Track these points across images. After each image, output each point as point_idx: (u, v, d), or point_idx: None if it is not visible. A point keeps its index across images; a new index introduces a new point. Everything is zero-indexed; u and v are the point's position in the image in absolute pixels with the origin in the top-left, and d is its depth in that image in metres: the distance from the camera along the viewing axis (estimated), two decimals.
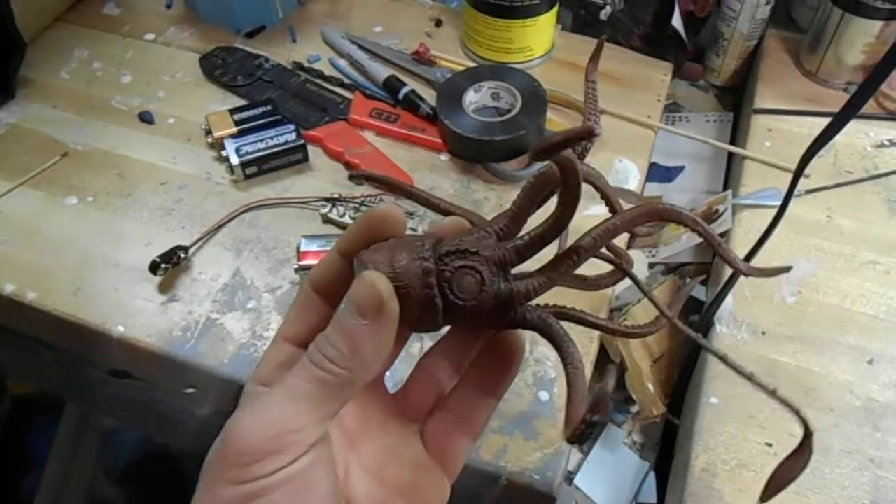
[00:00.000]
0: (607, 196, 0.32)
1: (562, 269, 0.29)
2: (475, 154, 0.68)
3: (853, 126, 0.73)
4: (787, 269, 0.31)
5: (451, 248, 0.28)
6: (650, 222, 0.29)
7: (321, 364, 0.26)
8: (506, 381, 0.32)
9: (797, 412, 0.25)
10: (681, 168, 0.79)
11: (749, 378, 0.26)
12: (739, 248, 0.61)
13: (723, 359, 0.28)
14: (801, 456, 0.26)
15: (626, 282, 0.69)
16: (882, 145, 0.71)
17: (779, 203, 0.52)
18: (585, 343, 0.57)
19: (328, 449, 0.27)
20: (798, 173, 0.51)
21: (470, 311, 0.29)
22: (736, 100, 0.86)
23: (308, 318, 0.30)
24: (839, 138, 0.71)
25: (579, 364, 0.28)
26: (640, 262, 0.70)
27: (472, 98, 0.70)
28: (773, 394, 0.26)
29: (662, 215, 0.29)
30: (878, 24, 0.71)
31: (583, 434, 0.25)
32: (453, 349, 0.33)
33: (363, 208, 0.64)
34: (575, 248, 0.29)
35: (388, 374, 0.34)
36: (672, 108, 0.86)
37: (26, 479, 1.11)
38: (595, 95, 0.32)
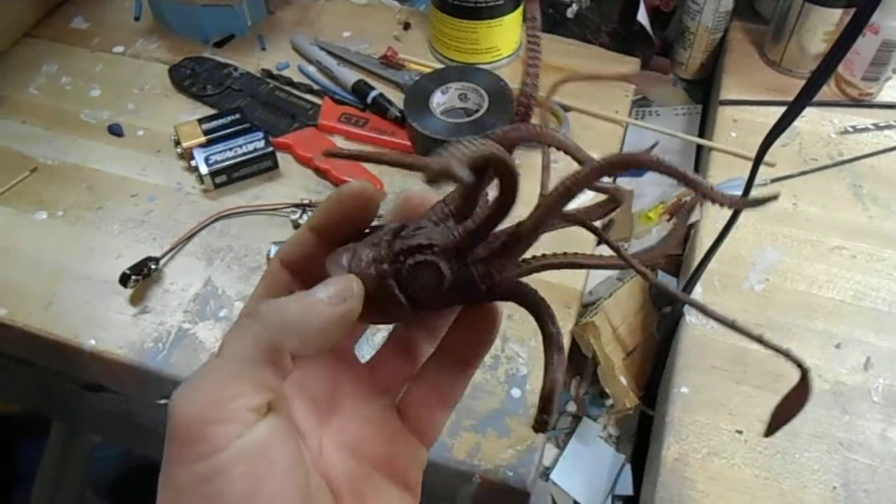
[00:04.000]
0: (571, 154, 0.28)
1: (518, 246, 0.27)
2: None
3: (817, 114, 0.75)
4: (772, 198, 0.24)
5: (406, 245, 0.28)
6: (606, 175, 0.26)
7: (265, 325, 0.25)
8: (482, 350, 0.31)
9: (787, 354, 0.24)
10: None
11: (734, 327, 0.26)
12: (707, 238, 0.62)
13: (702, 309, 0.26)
14: (801, 393, 0.26)
15: (599, 276, 0.69)
16: (846, 132, 0.72)
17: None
18: None
19: (285, 423, 0.26)
20: (757, 161, 0.52)
21: (436, 301, 0.28)
22: (704, 92, 0.87)
23: (275, 294, 0.30)
24: (804, 126, 0.73)
25: (557, 337, 0.27)
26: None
27: (440, 100, 0.71)
28: (760, 340, 0.25)
29: (618, 164, 0.25)
30: (838, 12, 0.71)
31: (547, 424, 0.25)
32: (428, 318, 0.32)
33: None
34: (523, 226, 0.27)
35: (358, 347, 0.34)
36: (642, 103, 0.86)
37: (16, 495, 1.11)
38: (537, 54, 0.27)
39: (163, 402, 0.58)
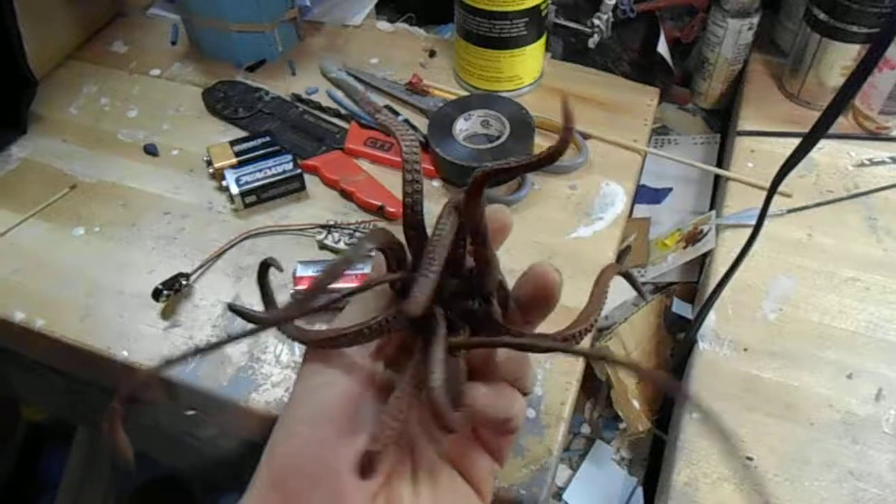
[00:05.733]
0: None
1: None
2: (466, 180, 0.71)
3: (834, 146, 0.76)
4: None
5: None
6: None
7: None
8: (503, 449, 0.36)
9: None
10: (669, 190, 0.81)
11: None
12: (722, 266, 0.63)
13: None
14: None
15: (615, 300, 0.70)
16: (863, 164, 0.73)
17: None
18: (572, 361, 0.59)
19: None
20: (771, 192, 0.53)
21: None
22: (724, 122, 0.89)
23: None
24: (821, 158, 0.74)
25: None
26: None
27: (462, 126, 0.73)
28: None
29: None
30: (856, 47, 0.73)
31: None
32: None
33: (357, 234, 0.67)
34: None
35: None
36: (661, 131, 0.88)
37: (41, 501, 1.13)
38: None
39: (190, 413, 0.61)
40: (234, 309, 0.30)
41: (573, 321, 0.32)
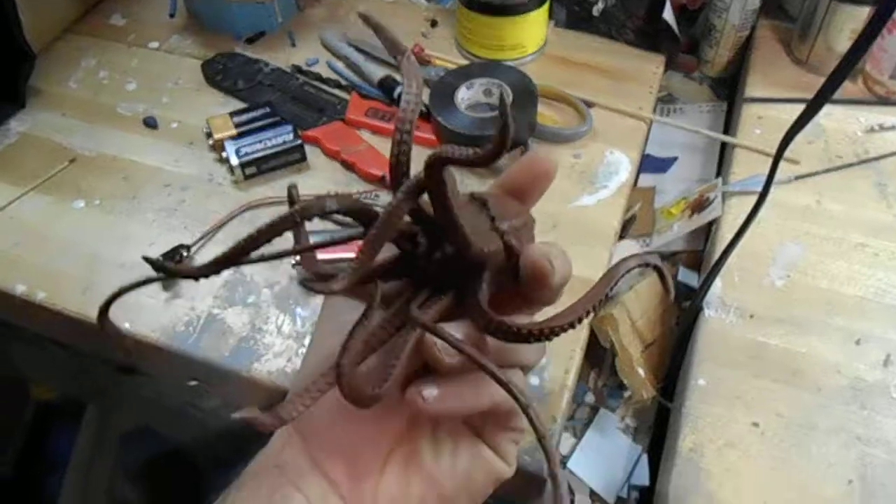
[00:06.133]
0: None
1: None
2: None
3: (844, 112, 0.75)
4: None
5: None
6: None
7: None
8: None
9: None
10: (674, 159, 0.79)
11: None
12: (728, 233, 0.62)
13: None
14: None
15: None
16: (872, 130, 0.72)
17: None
18: (576, 329, 0.58)
19: None
20: (777, 158, 0.53)
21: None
22: (731, 91, 0.87)
23: None
24: (830, 124, 0.73)
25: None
26: (633, 251, 0.71)
27: (465, 95, 0.72)
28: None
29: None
30: (865, 9, 0.71)
31: None
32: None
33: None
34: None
35: None
36: (667, 100, 0.86)
37: (50, 480, 1.14)
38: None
39: (193, 383, 0.61)
40: (147, 259, 0.29)
41: (562, 311, 0.30)
